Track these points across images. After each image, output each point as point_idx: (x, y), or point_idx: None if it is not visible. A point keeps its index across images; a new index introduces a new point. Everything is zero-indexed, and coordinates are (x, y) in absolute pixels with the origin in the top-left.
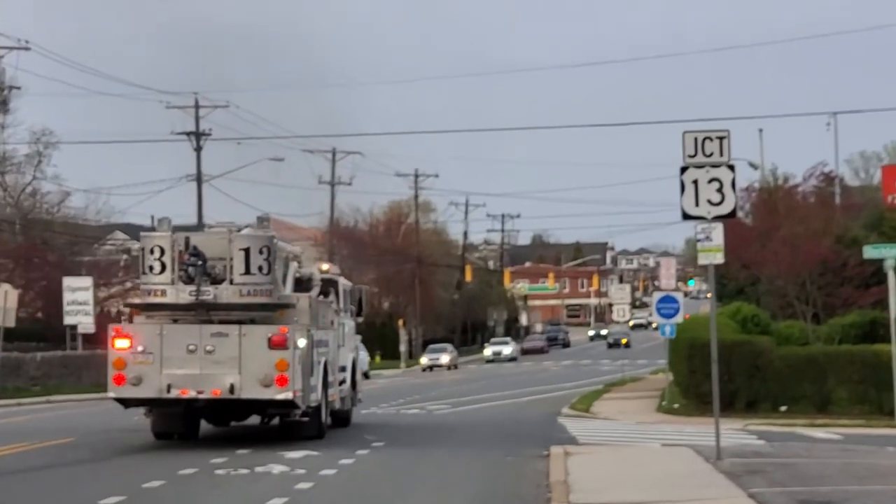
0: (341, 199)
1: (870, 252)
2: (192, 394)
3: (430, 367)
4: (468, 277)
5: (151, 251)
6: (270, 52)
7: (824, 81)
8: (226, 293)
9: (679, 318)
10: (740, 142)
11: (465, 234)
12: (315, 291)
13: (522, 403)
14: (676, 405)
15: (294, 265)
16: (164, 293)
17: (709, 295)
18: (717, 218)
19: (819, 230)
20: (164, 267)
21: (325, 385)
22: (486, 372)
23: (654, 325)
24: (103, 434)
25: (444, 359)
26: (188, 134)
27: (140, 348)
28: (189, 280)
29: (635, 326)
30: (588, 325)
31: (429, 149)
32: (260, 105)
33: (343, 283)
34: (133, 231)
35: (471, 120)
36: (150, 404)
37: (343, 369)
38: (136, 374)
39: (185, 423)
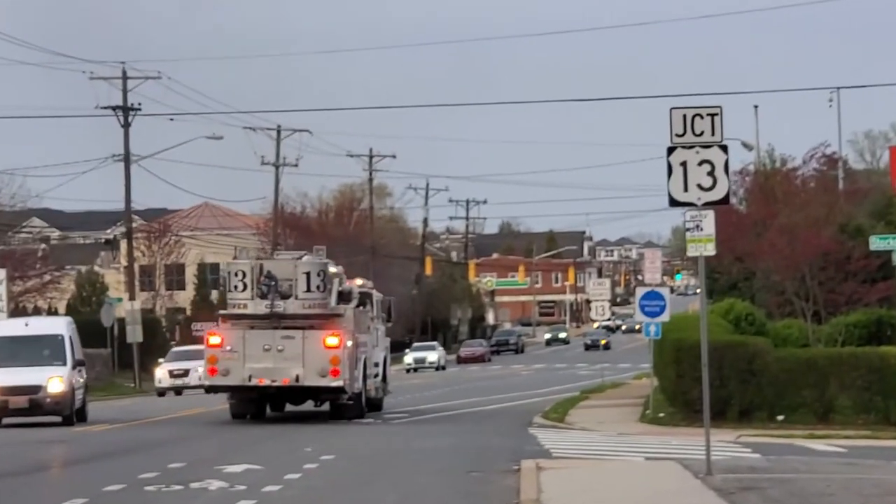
0: (287, 183)
1: (876, 243)
2: (267, 382)
3: None
4: (428, 271)
5: (236, 274)
6: (208, 20)
7: (826, 53)
8: (292, 306)
9: (665, 317)
10: (734, 120)
11: (426, 221)
12: (355, 303)
13: (489, 412)
14: (662, 414)
15: (336, 281)
16: (245, 306)
17: (698, 291)
18: (708, 204)
19: (820, 218)
20: (245, 286)
21: (364, 377)
22: (446, 377)
23: (622, 328)
24: (18, 447)
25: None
26: (115, 108)
27: (228, 347)
28: (264, 296)
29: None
30: (563, 323)
31: (385, 127)
32: (196, 77)
33: (376, 295)
34: (52, 217)
35: (432, 95)
36: (235, 391)
37: (377, 365)
38: (225, 367)
39: (256, 407)
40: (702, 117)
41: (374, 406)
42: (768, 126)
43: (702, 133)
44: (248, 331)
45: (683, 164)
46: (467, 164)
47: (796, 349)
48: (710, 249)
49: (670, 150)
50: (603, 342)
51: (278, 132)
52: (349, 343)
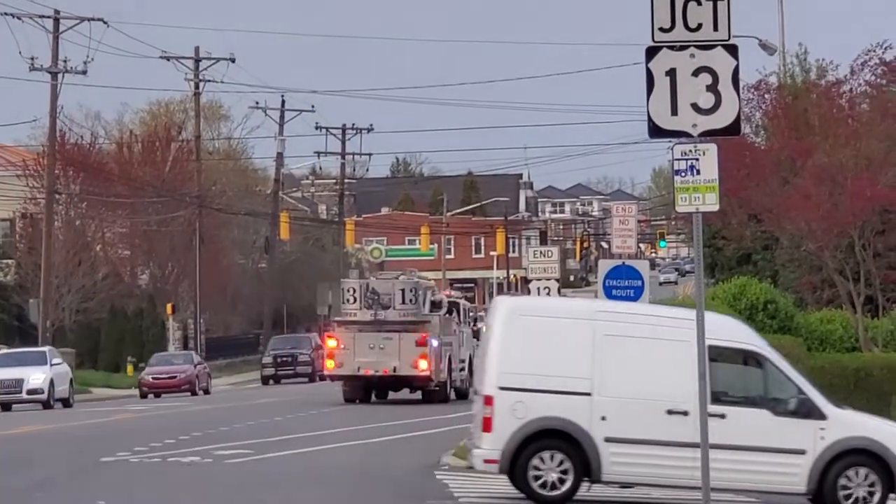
0: (70, 99)
1: None
2: (372, 372)
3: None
4: (284, 233)
5: (348, 290)
6: None
7: None
8: (391, 314)
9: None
10: (747, 7)
11: (280, 157)
12: (443, 311)
13: (376, 447)
14: None
15: (429, 292)
16: (355, 315)
17: (692, 265)
18: (709, 134)
19: (878, 157)
20: (355, 300)
21: (450, 370)
22: (312, 392)
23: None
24: None
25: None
26: None
27: (343, 346)
28: (369, 307)
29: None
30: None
31: (218, 16)
32: None
33: (463, 304)
34: None
35: None
36: (347, 379)
37: (462, 361)
38: (340, 360)
39: (364, 393)
40: (699, 3)
41: (462, 394)
42: (800, 18)
43: (699, 27)
44: (358, 333)
45: (671, 73)
46: (344, 72)
47: (840, 354)
48: (710, 202)
49: (651, 53)
50: None
51: (56, 22)
52: (435, 343)
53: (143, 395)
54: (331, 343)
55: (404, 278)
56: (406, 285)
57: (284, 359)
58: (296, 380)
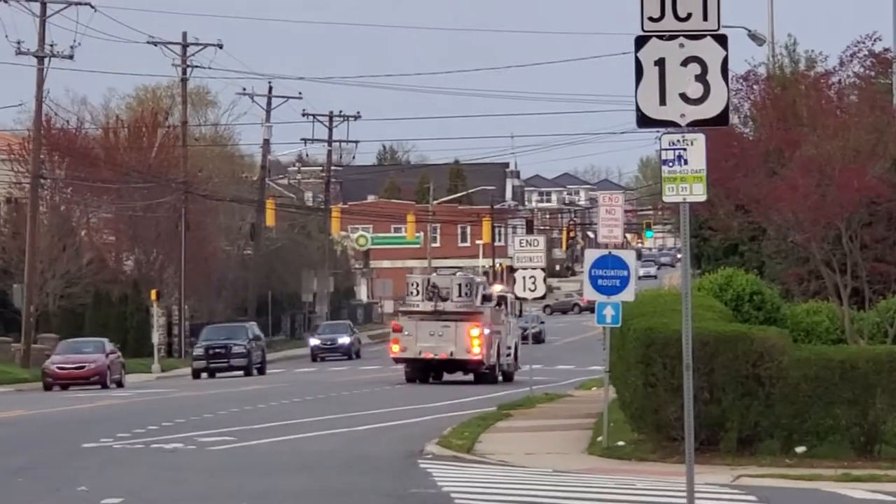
0: (57, 83)
1: None
2: (431, 356)
3: None
4: (270, 220)
5: (412, 284)
6: None
7: None
8: (449, 306)
9: (628, 295)
10: None
11: (267, 144)
12: (493, 303)
13: (359, 435)
14: (622, 442)
15: (481, 287)
16: (418, 305)
17: (679, 255)
18: (697, 124)
19: (866, 149)
20: (418, 292)
21: (498, 355)
22: (299, 378)
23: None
24: None
25: None
26: None
27: (406, 333)
28: (430, 299)
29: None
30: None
31: (208, 2)
32: None
33: (510, 297)
34: None
35: None
36: (410, 362)
37: (509, 347)
38: (404, 345)
39: (423, 374)
40: None
41: (508, 377)
42: (789, 9)
43: (688, 16)
44: (420, 322)
45: (660, 62)
46: (330, 60)
47: (826, 346)
48: (697, 193)
49: (640, 42)
50: (534, 331)
51: (43, 6)
52: (486, 331)
53: (48, 388)
54: (396, 330)
55: (461, 275)
56: (462, 280)
57: (217, 350)
58: (230, 373)
